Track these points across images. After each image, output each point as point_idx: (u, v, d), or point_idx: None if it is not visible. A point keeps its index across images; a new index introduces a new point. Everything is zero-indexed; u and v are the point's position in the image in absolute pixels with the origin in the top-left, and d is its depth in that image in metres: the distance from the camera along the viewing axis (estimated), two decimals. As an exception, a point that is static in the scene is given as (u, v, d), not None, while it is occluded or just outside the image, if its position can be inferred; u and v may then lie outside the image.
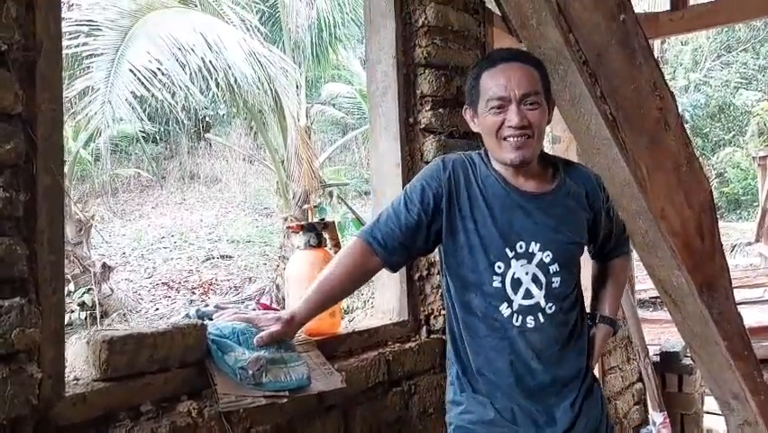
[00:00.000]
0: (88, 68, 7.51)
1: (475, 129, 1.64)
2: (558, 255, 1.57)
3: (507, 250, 1.56)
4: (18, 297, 1.05)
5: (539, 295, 1.56)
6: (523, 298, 1.56)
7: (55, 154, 1.15)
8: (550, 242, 1.57)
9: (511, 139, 1.52)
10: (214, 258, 14.04)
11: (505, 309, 1.56)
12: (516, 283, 1.56)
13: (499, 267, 1.56)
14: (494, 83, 1.53)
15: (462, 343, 1.63)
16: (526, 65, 1.55)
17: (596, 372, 3.51)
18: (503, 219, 1.57)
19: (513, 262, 1.56)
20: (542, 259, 1.56)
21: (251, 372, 1.39)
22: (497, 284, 1.56)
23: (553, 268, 1.57)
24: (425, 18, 2.26)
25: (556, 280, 1.57)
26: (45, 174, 1.12)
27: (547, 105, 1.58)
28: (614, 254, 1.79)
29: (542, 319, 1.57)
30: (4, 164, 1.05)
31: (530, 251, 1.56)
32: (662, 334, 5.58)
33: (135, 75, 7.44)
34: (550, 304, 1.57)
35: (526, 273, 1.56)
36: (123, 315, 10.52)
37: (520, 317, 1.57)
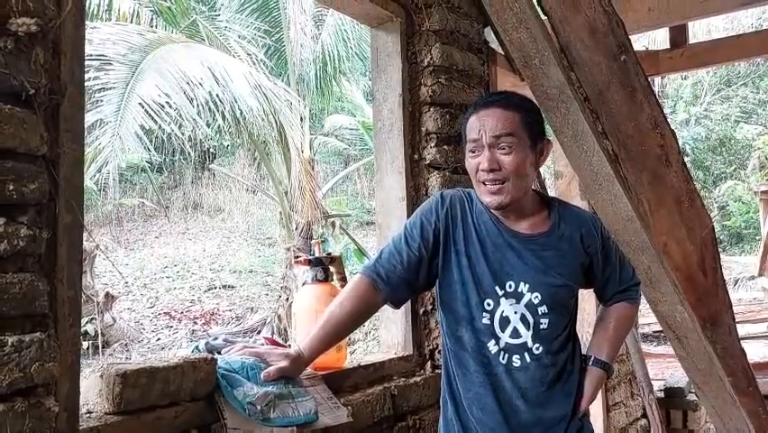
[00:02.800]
0: (99, 101, 7.61)
1: None
2: (546, 297, 1.58)
3: (497, 288, 1.58)
4: (38, 332, 1.08)
5: (526, 335, 1.58)
6: (510, 336, 1.58)
7: (76, 193, 1.19)
8: (539, 283, 1.58)
9: (487, 184, 1.55)
10: (216, 288, 14.03)
11: (492, 346, 1.58)
12: (505, 321, 1.58)
13: (489, 304, 1.58)
14: (472, 127, 1.57)
15: (456, 379, 1.64)
16: (506, 110, 1.54)
17: (599, 408, 3.52)
18: (495, 257, 1.59)
19: (502, 300, 1.57)
20: (530, 300, 1.58)
21: (259, 407, 1.40)
22: (486, 321, 1.58)
23: (542, 309, 1.58)
24: (431, 58, 2.32)
25: (544, 322, 1.58)
26: (66, 212, 1.16)
27: (533, 146, 1.57)
28: (618, 299, 1.78)
29: (528, 359, 1.58)
30: (28, 203, 1.08)
31: (519, 291, 1.58)
32: (666, 368, 5.52)
33: (144, 108, 7.54)
34: (537, 345, 1.58)
35: (515, 312, 1.58)
36: (125, 345, 10.49)
37: (507, 355, 1.58)
